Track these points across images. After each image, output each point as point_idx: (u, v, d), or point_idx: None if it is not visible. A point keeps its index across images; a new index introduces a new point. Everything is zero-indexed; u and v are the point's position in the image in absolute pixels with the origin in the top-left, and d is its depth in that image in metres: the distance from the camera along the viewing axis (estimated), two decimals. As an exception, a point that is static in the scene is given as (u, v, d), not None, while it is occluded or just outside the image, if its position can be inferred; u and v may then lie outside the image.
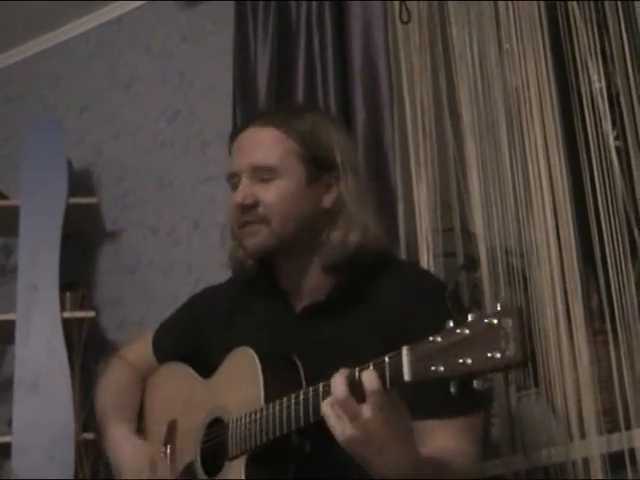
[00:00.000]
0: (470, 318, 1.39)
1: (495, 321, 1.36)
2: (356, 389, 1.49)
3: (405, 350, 1.45)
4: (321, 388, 1.58)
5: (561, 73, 2.58)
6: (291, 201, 1.85)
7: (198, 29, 3.56)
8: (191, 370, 2.00)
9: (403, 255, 2.67)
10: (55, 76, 3.87)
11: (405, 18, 2.82)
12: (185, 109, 3.53)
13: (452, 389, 1.39)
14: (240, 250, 1.93)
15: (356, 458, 1.54)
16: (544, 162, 2.52)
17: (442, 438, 1.70)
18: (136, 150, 3.59)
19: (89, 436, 3.05)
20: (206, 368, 1.93)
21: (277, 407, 1.66)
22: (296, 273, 1.91)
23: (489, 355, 1.35)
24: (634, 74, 2.45)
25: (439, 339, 1.41)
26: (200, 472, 1.84)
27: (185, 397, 1.97)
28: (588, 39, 2.51)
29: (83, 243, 3.55)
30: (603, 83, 2.48)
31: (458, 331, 1.40)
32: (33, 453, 3.03)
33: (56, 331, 3.18)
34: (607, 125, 2.44)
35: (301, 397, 1.62)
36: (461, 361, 1.37)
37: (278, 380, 1.73)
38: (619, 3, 2.51)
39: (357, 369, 1.51)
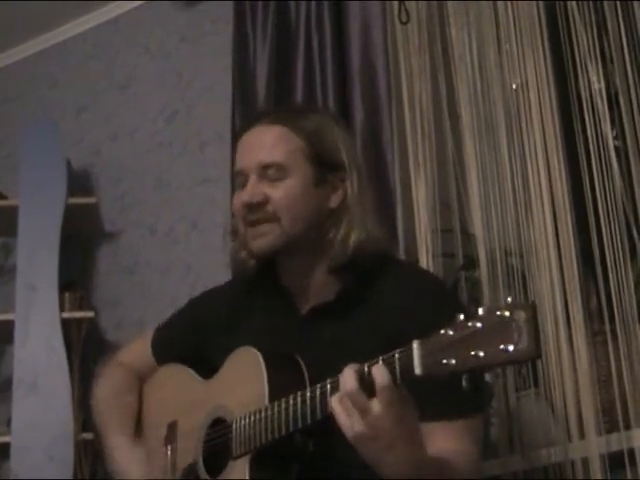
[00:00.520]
0: (481, 311, 1.37)
1: (507, 314, 1.34)
2: (366, 384, 1.48)
3: (416, 344, 1.43)
4: (329, 385, 1.57)
5: (560, 74, 2.58)
6: (300, 200, 1.84)
7: (197, 29, 3.56)
8: (191, 371, 1.98)
9: (402, 255, 2.67)
10: (52, 76, 3.87)
11: (404, 19, 2.82)
12: (183, 109, 3.53)
13: (464, 383, 1.37)
14: (242, 251, 1.92)
15: (363, 454, 1.52)
16: (543, 163, 2.53)
17: (442, 440, 1.69)
18: (134, 150, 3.60)
19: (88, 436, 3.05)
20: (206, 370, 1.92)
21: (282, 405, 1.65)
22: (301, 273, 1.90)
23: (502, 348, 1.33)
24: (633, 75, 2.45)
25: (450, 332, 1.39)
26: (202, 472, 1.83)
27: (185, 398, 1.96)
28: (587, 40, 2.51)
29: (82, 243, 3.55)
30: (602, 84, 2.48)
31: (470, 324, 1.37)
32: (32, 453, 3.04)
33: (55, 331, 3.18)
34: (606, 126, 2.44)
35: (307, 394, 1.61)
36: (473, 354, 1.35)
37: (282, 379, 1.73)
38: (618, 4, 2.51)
39: (367, 364, 1.50)
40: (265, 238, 1.85)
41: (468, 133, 2.69)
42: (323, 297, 1.87)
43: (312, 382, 1.68)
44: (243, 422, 1.74)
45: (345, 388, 1.49)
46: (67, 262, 3.32)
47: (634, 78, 2.45)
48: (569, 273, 2.42)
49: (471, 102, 2.70)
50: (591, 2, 2.54)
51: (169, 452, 1.91)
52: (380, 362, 1.49)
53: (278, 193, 1.84)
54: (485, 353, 1.35)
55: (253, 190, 1.85)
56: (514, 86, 2.63)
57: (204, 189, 3.39)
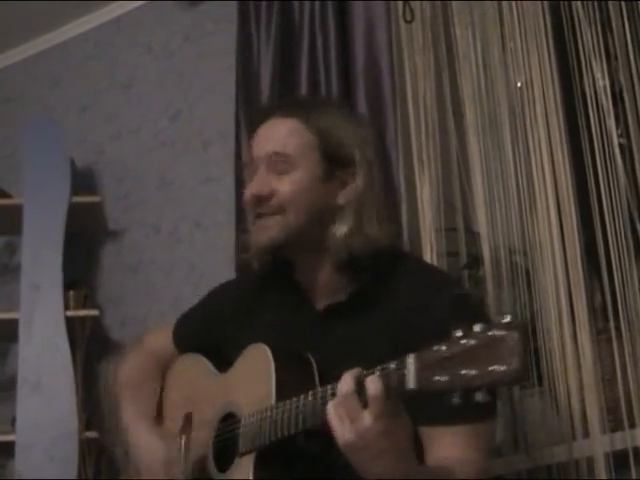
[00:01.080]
0: (476, 329, 1.37)
1: (501, 333, 1.33)
2: (361, 392, 1.49)
3: (410, 358, 1.43)
4: (329, 390, 1.58)
5: (565, 71, 2.57)
6: (306, 194, 1.84)
7: (200, 29, 3.56)
8: (208, 363, 1.99)
9: (406, 254, 2.67)
10: (55, 76, 3.87)
11: (408, 18, 2.82)
12: (186, 109, 3.54)
13: (454, 400, 1.36)
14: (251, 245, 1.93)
15: (352, 462, 1.53)
16: (548, 161, 2.52)
17: (448, 445, 1.69)
18: (138, 149, 3.60)
19: (92, 435, 3.06)
20: (224, 361, 1.93)
21: (287, 407, 1.66)
22: (311, 270, 1.90)
23: (493, 368, 1.32)
24: (638, 72, 2.44)
25: (444, 348, 1.39)
26: (212, 466, 1.84)
27: (201, 390, 1.97)
28: (592, 37, 2.50)
29: (86, 242, 3.55)
30: (607, 81, 2.48)
31: (463, 341, 1.37)
32: (36, 452, 3.04)
33: (59, 330, 3.18)
34: (611, 123, 2.44)
35: (310, 398, 1.62)
36: (464, 372, 1.35)
37: (291, 379, 1.73)
38: (622, 2, 2.50)
39: (364, 372, 1.51)
40: (267, 232, 1.86)
41: (472, 132, 2.68)
42: (335, 294, 1.87)
43: (322, 381, 1.69)
44: (250, 419, 1.74)
45: (340, 393, 1.50)
46: (71, 261, 3.33)
47: (639, 75, 2.44)
48: (573, 271, 2.42)
49: (475, 101, 2.70)
50: (595, 0, 2.54)
51: (183, 443, 1.91)
52: (376, 373, 1.49)
53: (285, 186, 1.84)
54: (476, 372, 1.34)
55: (261, 182, 1.86)
56: (518, 84, 2.63)
57: (207, 188, 3.39)
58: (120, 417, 2.07)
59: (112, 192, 3.59)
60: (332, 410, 1.51)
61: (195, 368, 2.03)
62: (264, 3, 3.17)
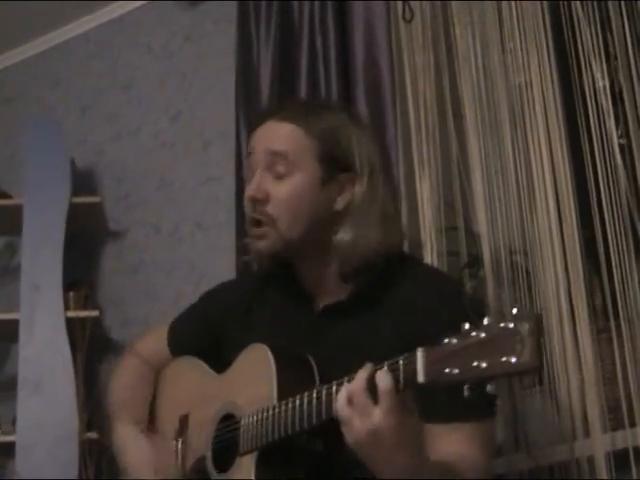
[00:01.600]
0: (486, 321, 1.38)
1: (512, 325, 1.34)
2: (371, 388, 1.49)
3: (420, 352, 1.43)
4: (334, 387, 1.57)
5: (564, 72, 2.57)
6: (303, 200, 1.83)
7: (200, 29, 3.57)
8: (204, 365, 1.99)
9: (406, 254, 2.67)
10: (55, 76, 3.87)
11: (408, 17, 2.82)
12: (187, 109, 3.54)
13: (465, 392, 1.37)
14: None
15: (363, 459, 1.54)
16: (547, 161, 2.52)
17: (452, 443, 1.69)
18: (138, 150, 3.60)
19: (93, 435, 3.06)
20: (220, 363, 1.93)
21: (290, 405, 1.65)
22: (312, 271, 1.90)
23: (504, 359, 1.33)
24: (637, 72, 2.44)
25: (455, 341, 1.40)
26: (211, 467, 1.84)
27: (198, 391, 1.96)
28: (591, 37, 2.50)
29: (86, 242, 3.55)
30: (606, 81, 2.48)
31: (474, 334, 1.38)
32: (37, 452, 3.04)
33: (60, 330, 3.18)
34: (611, 123, 2.44)
35: (314, 395, 1.61)
36: (476, 364, 1.36)
37: (292, 378, 1.73)
38: (622, 2, 2.50)
39: (374, 368, 1.51)
40: (262, 242, 1.85)
41: (472, 131, 2.68)
42: (335, 295, 1.87)
43: (323, 381, 1.68)
44: (251, 419, 1.74)
45: (354, 386, 1.50)
46: (71, 261, 3.33)
47: (638, 75, 2.44)
48: (574, 270, 2.42)
49: (475, 100, 2.70)
50: (595, 0, 2.54)
51: (179, 445, 1.91)
52: (385, 367, 1.49)
53: (280, 192, 1.83)
54: (488, 364, 1.35)
55: (257, 184, 1.85)
56: (518, 84, 2.63)
57: (208, 188, 3.39)
58: (111, 430, 2.07)
59: (112, 192, 3.59)
60: (342, 407, 1.51)
61: (191, 370, 2.02)
62: (264, 3, 3.17)
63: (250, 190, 1.86)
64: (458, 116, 2.74)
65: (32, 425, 3.08)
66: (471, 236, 2.66)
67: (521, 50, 2.62)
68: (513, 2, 2.67)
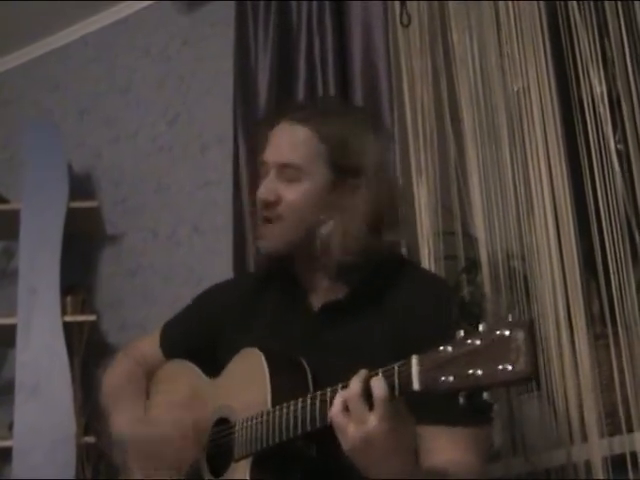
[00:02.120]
0: (481, 328, 1.37)
1: (507, 333, 1.34)
2: (367, 395, 1.50)
3: (415, 359, 1.44)
4: (328, 394, 1.58)
5: (562, 78, 2.58)
6: (311, 204, 1.86)
7: (198, 32, 3.57)
8: (196, 368, 1.99)
9: (403, 258, 2.67)
10: (54, 80, 3.87)
11: (405, 22, 2.82)
12: (184, 112, 3.54)
13: (461, 400, 1.37)
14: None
15: (357, 465, 1.54)
16: (545, 166, 2.52)
17: (446, 446, 1.69)
18: (136, 153, 3.60)
19: (90, 439, 3.05)
20: (214, 364, 1.93)
21: (284, 410, 1.66)
22: (311, 273, 1.91)
23: (500, 367, 1.33)
24: (635, 77, 2.45)
25: (450, 349, 1.40)
26: (206, 471, 1.84)
27: (190, 395, 1.95)
28: (589, 43, 2.50)
29: (84, 247, 3.55)
30: (604, 87, 2.48)
31: (469, 341, 1.38)
32: (34, 457, 3.04)
33: (57, 335, 3.18)
34: (608, 129, 2.44)
35: (308, 402, 1.62)
36: (471, 372, 1.36)
37: (285, 383, 1.73)
38: (619, 4, 2.50)
39: (369, 374, 1.51)
40: (267, 241, 1.89)
41: (470, 136, 2.68)
42: (332, 294, 1.88)
43: (316, 385, 1.69)
44: (246, 424, 1.75)
45: (349, 393, 1.51)
46: (69, 265, 3.33)
47: (636, 81, 2.44)
48: (571, 276, 2.42)
49: (473, 105, 2.70)
50: (592, 1, 2.54)
51: None
52: (380, 374, 1.50)
53: (291, 195, 1.86)
54: (483, 372, 1.35)
55: (269, 187, 1.88)
56: (516, 89, 2.63)
57: (205, 192, 3.39)
58: (109, 423, 2.05)
59: (110, 196, 3.59)
60: (337, 413, 1.52)
61: (183, 374, 2.01)
62: (261, 5, 3.17)
63: (262, 193, 1.89)
64: (456, 120, 2.74)
65: (29, 430, 3.08)
66: (469, 241, 2.66)
67: (519, 55, 2.62)
68: (511, 6, 2.67)
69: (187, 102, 3.54)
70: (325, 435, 1.57)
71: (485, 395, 1.36)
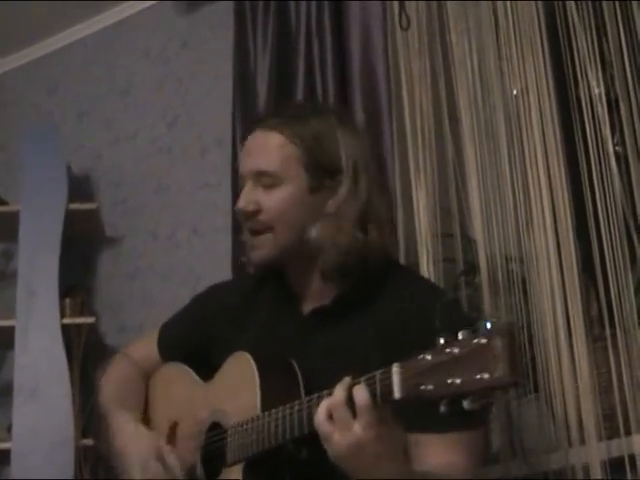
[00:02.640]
0: (460, 336, 1.38)
1: (484, 341, 1.34)
2: (351, 402, 1.50)
3: (395, 367, 1.45)
4: (315, 400, 1.59)
5: (560, 79, 2.57)
6: (293, 208, 1.84)
7: (197, 35, 3.57)
8: (191, 371, 1.99)
9: (402, 260, 2.66)
10: (53, 81, 3.87)
11: (404, 25, 2.81)
12: (184, 114, 3.54)
13: (442, 408, 1.38)
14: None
15: (346, 471, 1.55)
16: (543, 168, 2.52)
17: (437, 452, 1.68)
18: (135, 155, 3.60)
19: (89, 442, 3.05)
20: (209, 367, 1.93)
21: (273, 417, 1.67)
22: (300, 277, 1.91)
23: (478, 376, 1.33)
24: (633, 79, 2.44)
25: (429, 357, 1.40)
26: (201, 476, 1.85)
27: (185, 399, 1.96)
28: (587, 45, 2.50)
29: (83, 248, 3.56)
30: (602, 89, 2.47)
31: (448, 350, 1.38)
32: (33, 459, 3.04)
33: (55, 337, 3.18)
34: (606, 131, 2.44)
35: (296, 408, 1.63)
36: (450, 381, 1.36)
37: (275, 388, 1.73)
38: (617, 5, 2.50)
39: (352, 382, 1.52)
40: (261, 251, 1.87)
41: (468, 138, 2.68)
42: (321, 299, 1.87)
43: (307, 388, 1.70)
44: (237, 429, 1.75)
45: (333, 401, 1.52)
46: (68, 267, 3.33)
47: (634, 83, 2.44)
48: (569, 278, 2.41)
49: (471, 107, 2.69)
50: (590, 2, 2.53)
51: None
52: (362, 382, 1.50)
53: (270, 201, 1.85)
54: (462, 380, 1.35)
55: (247, 197, 1.87)
56: (514, 91, 2.62)
57: (205, 194, 3.39)
58: (107, 423, 2.05)
59: (109, 198, 3.59)
60: (322, 422, 1.53)
61: (178, 378, 2.02)
62: (260, 4, 3.17)
63: (241, 205, 1.87)
64: (454, 121, 2.74)
65: (28, 432, 3.08)
66: (467, 243, 2.65)
67: (517, 57, 2.62)
68: (509, 8, 2.66)
69: (186, 104, 3.54)
70: (316, 439, 1.57)
71: (465, 403, 1.35)
